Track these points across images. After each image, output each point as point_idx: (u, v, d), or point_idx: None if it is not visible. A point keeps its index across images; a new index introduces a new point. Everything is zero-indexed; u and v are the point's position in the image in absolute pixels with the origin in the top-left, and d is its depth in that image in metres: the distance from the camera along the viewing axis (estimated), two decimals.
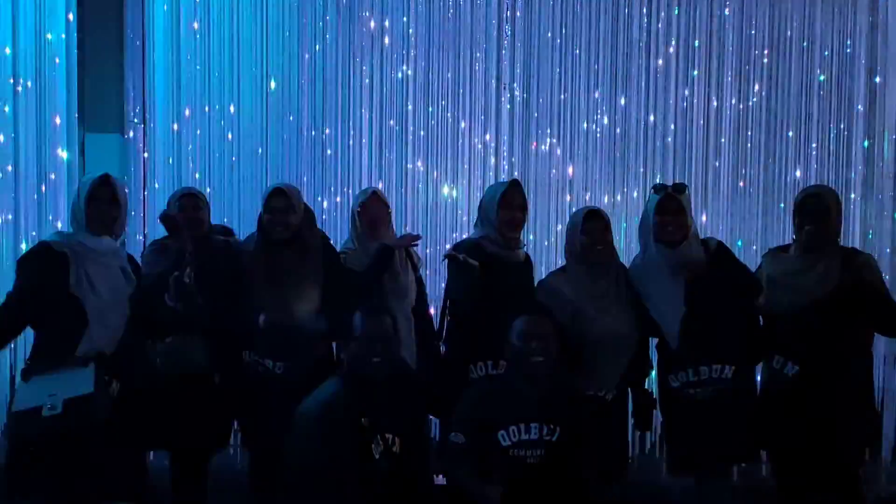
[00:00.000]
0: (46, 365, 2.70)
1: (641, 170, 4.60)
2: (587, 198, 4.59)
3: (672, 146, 4.57)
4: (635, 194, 4.62)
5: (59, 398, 2.61)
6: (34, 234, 4.48)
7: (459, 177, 4.62)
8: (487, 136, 4.61)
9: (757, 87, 4.59)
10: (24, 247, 4.52)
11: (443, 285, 3.53)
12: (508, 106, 4.61)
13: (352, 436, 2.51)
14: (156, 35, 4.56)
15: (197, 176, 4.61)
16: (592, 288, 3.13)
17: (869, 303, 3.04)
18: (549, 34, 4.58)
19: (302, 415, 2.56)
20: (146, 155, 4.58)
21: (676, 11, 4.51)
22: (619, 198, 4.62)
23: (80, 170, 4.35)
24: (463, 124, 4.62)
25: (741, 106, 4.60)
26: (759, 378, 3.33)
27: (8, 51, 4.43)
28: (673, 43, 4.55)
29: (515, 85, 4.59)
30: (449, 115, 4.61)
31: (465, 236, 3.85)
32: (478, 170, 4.63)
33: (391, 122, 4.62)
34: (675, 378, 3.13)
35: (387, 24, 4.58)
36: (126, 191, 2.95)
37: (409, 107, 4.61)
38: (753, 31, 4.57)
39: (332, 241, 3.42)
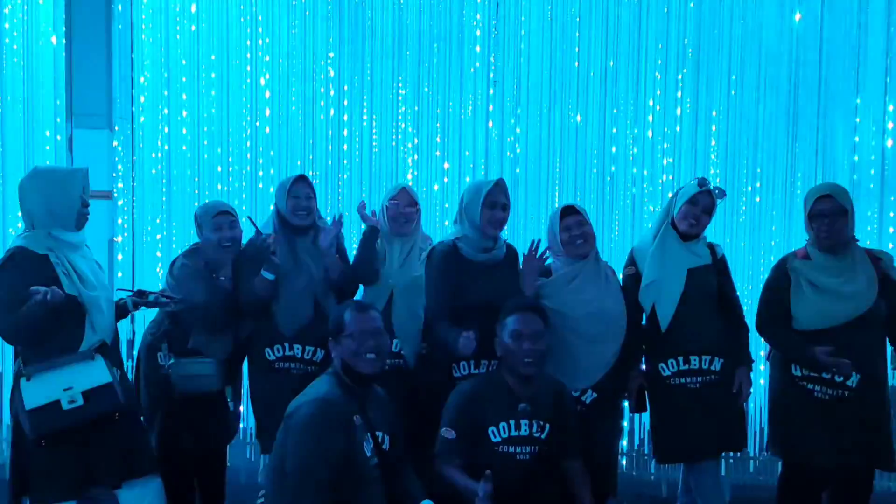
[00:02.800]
0: (48, 362, 2.69)
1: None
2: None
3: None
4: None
5: (76, 391, 2.63)
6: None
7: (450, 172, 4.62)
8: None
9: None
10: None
11: None
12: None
13: (344, 435, 2.50)
14: (144, 30, 4.54)
15: (188, 172, 4.60)
16: (574, 269, 3.17)
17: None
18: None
19: (294, 414, 2.53)
20: (135, 151, 4.57)
21: (666, 9, 4.49)
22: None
23: (69, 166, 4.32)
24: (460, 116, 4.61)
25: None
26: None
27: None
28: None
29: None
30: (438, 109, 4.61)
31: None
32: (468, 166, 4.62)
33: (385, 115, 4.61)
34: (665, 367, 3.20)
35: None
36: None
37: (401, 99, 4.60)
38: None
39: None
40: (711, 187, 3.24)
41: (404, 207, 3.41)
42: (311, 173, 4.52)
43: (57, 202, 2.80)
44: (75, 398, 2.63)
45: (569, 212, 3.21)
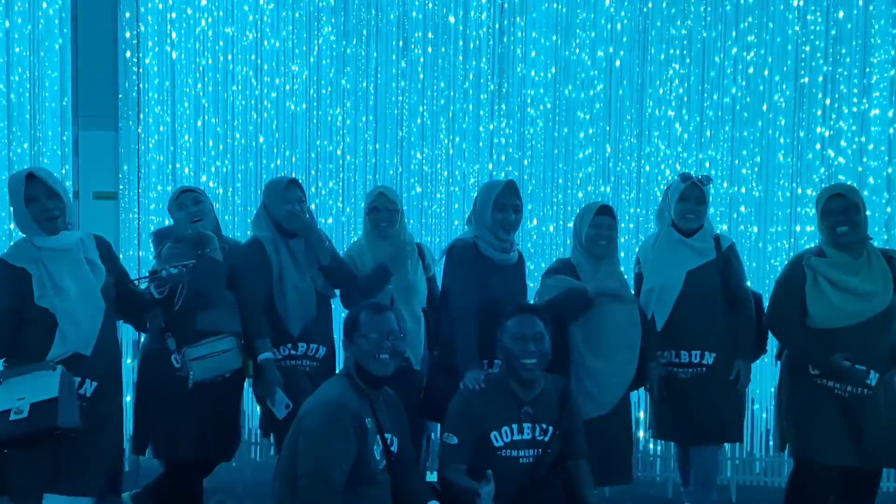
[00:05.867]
0: (18, 368, 2.69)
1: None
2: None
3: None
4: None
5: (26, 402, 2.60)
6: None
7: (456, 173, 4.61)
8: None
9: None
10: None
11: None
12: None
13: (356, 439, 2.50)
14: (149, 31, 4.54)
15: (188, 171, 4.59)
16: (596, 274, 3.25)
17: None
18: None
19: (306, 416, 2.53)
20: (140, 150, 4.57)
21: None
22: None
23: (75, 167, 4.34)
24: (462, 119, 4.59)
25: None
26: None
27: (1, 49, 4.41)
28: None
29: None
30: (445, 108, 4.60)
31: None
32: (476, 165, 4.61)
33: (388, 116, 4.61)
34: (661, 355, 3.34)
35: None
36: (55, 178, 2.87)
37: (405, 102, 4.59)
38: None
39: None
40: (695, 178, 3.33)
41: (384, 211, 3.35)
42: (314, 173, 4.57)
43: (14, 213, 2.81)
44: (22, 409, 2.59)
45: (604, 211, 3.27)
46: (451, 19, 4.52)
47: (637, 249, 3.55)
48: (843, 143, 4.34)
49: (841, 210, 3.07)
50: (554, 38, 4.50)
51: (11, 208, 2.83)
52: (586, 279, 3.23)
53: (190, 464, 3.23)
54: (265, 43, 4.57)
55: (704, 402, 3.29)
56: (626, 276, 3.47)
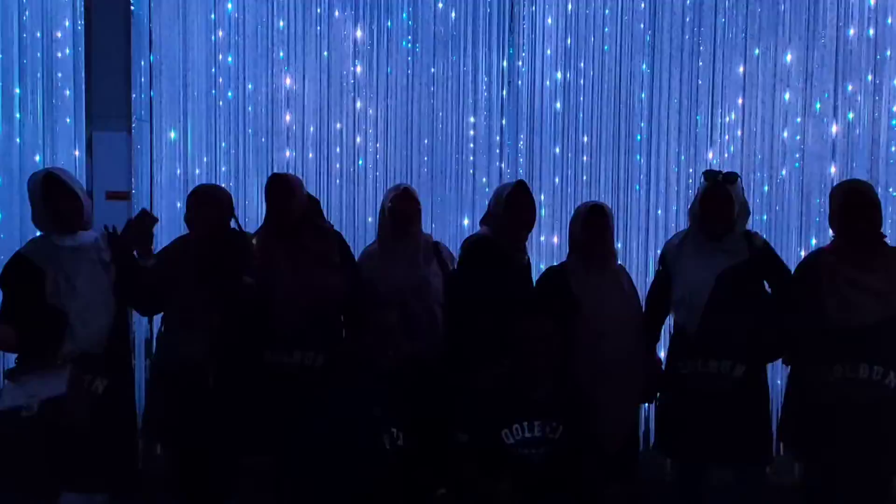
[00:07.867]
0: (31, 366, 2.76)
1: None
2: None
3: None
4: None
5: (36, 399, 2.67)
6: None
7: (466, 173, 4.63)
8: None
9: None
10: None
11: None
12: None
13: (366, 425, 2.54)
14: (162, 31, 4.56)
15: (198, 172, 4.62)
16: (590, 280, 3.18)
17: None
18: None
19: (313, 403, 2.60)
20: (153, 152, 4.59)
21: None
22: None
23: (88, 168, 4.37)
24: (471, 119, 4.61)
25: None
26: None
27: (15, 49, 4.45)
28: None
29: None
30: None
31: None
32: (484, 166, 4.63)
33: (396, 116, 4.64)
34: (684, 365, 3.15)
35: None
36: (74, 178, 2.95)
37: (412, 100, 4.63)
38: None
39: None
40: (719, 177, 3.11)
41: (409, 208, 3.32)
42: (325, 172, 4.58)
43: (33, 212, 2.91)
44: (32, 407, 2.66)
45: (597, 211, 3.19)
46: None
47: (664, 246, 3.39)
48: None
49: (857, 206, 2.98)
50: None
51: (32, 206, 2.92)
52: (577, 288, 3.17)
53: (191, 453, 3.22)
54: (277, 41, 4.58)
55: (729, 420, 3.09)
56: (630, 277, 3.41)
